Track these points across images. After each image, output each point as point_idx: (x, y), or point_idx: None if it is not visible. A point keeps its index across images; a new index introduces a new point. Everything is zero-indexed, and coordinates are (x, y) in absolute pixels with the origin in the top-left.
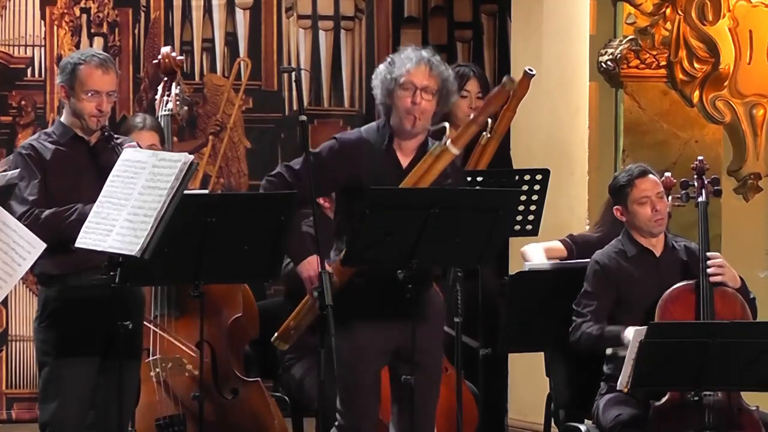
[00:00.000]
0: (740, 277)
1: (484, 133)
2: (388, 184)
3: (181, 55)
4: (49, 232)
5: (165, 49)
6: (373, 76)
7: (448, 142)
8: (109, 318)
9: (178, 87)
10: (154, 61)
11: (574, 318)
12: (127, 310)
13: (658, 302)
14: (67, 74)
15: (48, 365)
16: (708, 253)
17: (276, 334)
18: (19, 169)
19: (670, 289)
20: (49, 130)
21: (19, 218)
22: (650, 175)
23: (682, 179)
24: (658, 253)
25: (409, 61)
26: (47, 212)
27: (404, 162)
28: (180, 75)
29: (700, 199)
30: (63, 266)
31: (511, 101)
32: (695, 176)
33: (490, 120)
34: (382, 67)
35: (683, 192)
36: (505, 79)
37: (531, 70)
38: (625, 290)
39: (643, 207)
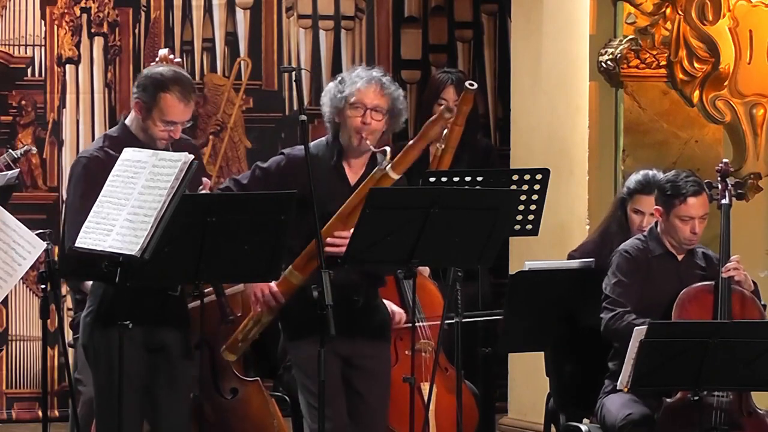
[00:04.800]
0: (753, 282)
1: (438, 144)
2: (335, 200)
3: (180, 56)
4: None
5: (162, 52)
6: (323, 94)
7: (389, 167)
8: (160, 321)
9: None
10: (152, 63)
11: (609, 306)
12: (172, 313)
13: (676, 300)
14: (148, 95)
15: (110, 365)
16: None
17: (224, 346)
18: (19, 170)
19: (689, 288)
20: (113, 133)
21: (71, 245)
22: (703, 194)
23: (706, 180)
24: (680, 257)
25: (360, 80)
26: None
27: (352, 179)
28: None
29: (723, 202)
30: None
31: (457, 115)
32: (719, 178)
33: (446, 130)
34: (331, 85)
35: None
36: (441, 109)
37: (471, 85)
38: (645, 288)
39: (685, 224)
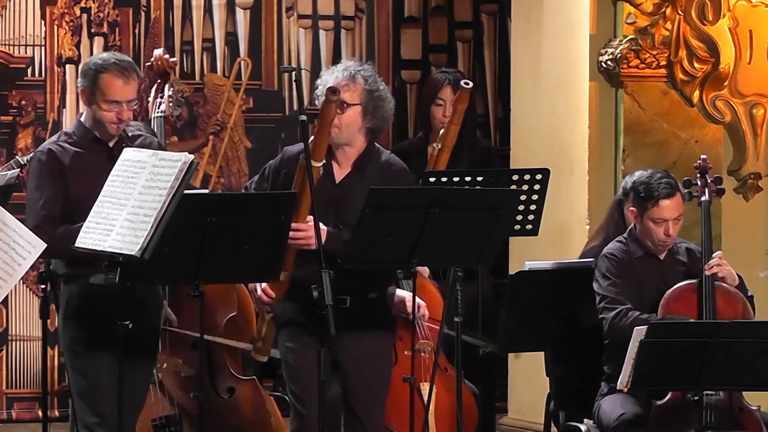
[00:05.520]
0: (738, 275)
1: (435, 144)
2: (320, 197)
3: (180, 56)
4: (61, 249)
5: (157, 51)
6: (317, 84)
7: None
8: (128, 318)
9: (172, 89)
10: (147, 63)
11: (610, 305)
12: (147, 311)
13: (661, 301)
14: (88, 80)
15: (80, 363)
16: None
17: (252, 350)
18: (18, 170)
19: (673, 288)
20: (69, 130)
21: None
22: (677, 195)
23: (685, 178)
24: (661, 257)
25: (333, 74)
26: (60, 230)
27: (339, 175)
28: (173, 76)
29: (703, 199)
30: (87, 265)
31: (453, 114)
32: (698, 175)
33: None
34: (325, 76)
35: (686, 191)
36: (326, 91)
37: (467, 84)
38: (632, 289)
39: (658, 227)
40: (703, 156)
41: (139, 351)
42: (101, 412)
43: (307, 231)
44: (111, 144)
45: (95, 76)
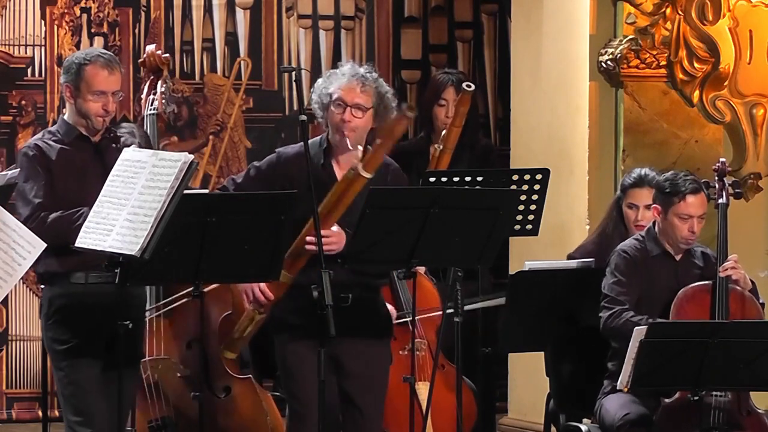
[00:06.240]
0: (752, 281)
1: (436, 145)
2: (321, 199)
3: (180, 56)
4: (55, 235)
5: (150, 48)
6: (312, 90)
7: (360, 166)
8: (111, 317)
9: (164, 85)
10: (140, 60)
11: (608, 305)
12: (129, 310)
13: (674, 300)
14: (72, 74)
15: (61, 362)
16: None
17: (223, 345)
18: (19, 169)
19: (686, 288)
20: (53, 128)
21: (24, 221)
22: (702, 193)
23: (703, 180)
24: (677, 258)
25: (342, 77)
26: (53, 216)
27: (340, 175)
28: (166, 73)
29: (720, 201)
30: (67, 264)
31: (455, 116)
32: (716, 178)
33: (444, 132)
34: (320, 81)
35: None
36: (403, 107)
37: (469, 86)
38: (643, 288)
39: (683, 223)
40: (722, 159)
41: (124, 354)
42: (82, 411)
43: (331, 237)
44: (96, 140)
45: (79, 69)
